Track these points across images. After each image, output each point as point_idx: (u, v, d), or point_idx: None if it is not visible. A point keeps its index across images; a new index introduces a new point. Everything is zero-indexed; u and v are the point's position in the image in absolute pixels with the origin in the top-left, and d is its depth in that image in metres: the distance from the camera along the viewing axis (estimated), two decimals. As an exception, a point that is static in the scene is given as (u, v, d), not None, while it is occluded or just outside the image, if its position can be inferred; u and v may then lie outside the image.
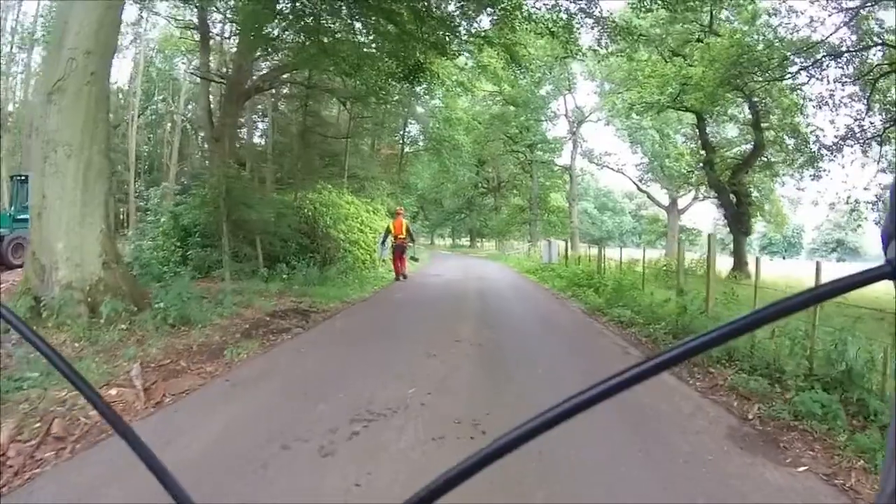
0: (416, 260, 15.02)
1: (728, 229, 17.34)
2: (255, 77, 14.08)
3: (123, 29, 25.97)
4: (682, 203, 32.86)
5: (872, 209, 12.91)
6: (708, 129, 18.06)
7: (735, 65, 12.18)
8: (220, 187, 9.64)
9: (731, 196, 16.03)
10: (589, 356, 5.84)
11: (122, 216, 22.31)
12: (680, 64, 14.52)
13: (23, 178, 13.96)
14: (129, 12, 24.44)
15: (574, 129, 30.82)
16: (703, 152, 17.66)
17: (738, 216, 15.93)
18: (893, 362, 3.68)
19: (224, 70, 14.30)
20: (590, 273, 11.58)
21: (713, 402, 4.11)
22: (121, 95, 25.09)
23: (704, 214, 41.06)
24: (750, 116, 15.73)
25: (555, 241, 17.15)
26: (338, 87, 15.86)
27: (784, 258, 40.67)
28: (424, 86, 14.14)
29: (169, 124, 27.30)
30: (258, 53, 13.90)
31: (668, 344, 5.65)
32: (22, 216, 12.78)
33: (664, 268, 12.11)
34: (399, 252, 13.05)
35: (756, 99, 14.92)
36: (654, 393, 4.15)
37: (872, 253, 42.40)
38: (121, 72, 28.42)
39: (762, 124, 15.41)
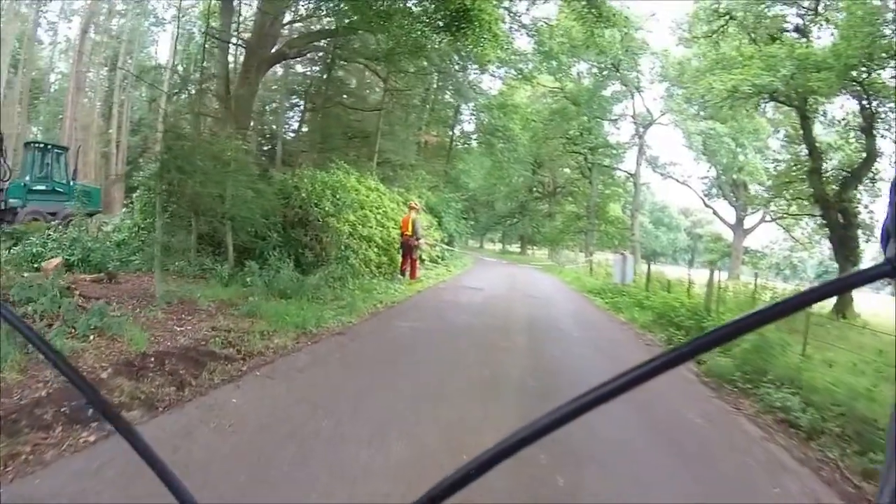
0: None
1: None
2: (279, 43, 12.60)
3: (167, 3, 25.46)
4: (747, 223, 29.38)
5: None
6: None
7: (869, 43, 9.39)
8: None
9: (838, 215, 12.62)
10: None
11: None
12: (792, 42, 11.63)
13: (43, 146, 13.15)
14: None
15: (640, 133, 27.92)
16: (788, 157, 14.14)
17: (846, 240, 12.49)
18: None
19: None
20: (694, 307, 7.99)
21: None
22: (163, 72, 24.88)
23: (766, 236, 37.03)
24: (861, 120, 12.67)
25: (629, 256, 13.47)
26: (369, 50, 13.44)
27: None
28: (470, 41, 11.17)
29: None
30: (285, 16, 12.51)
31: None
32: (38, 187, 12.11)
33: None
34: (407, 252, 10.98)
35: (871, 96, 11.81)
36: None
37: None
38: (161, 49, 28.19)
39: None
